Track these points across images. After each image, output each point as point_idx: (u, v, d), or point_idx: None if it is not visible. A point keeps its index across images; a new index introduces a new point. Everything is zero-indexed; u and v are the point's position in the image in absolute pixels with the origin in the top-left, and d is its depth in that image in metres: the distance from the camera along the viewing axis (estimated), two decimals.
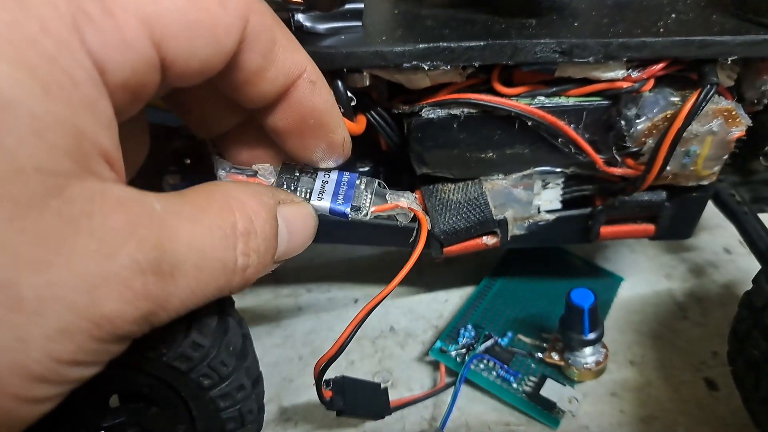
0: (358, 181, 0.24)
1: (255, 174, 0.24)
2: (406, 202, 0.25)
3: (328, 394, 0.26)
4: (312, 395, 0.32)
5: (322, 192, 0.24)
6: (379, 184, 0.24)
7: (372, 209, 0.24)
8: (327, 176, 0.24)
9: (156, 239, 0.16)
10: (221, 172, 0.24)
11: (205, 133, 0.25)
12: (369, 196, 0.24)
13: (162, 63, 0.17)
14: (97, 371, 0.16)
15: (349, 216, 0.24)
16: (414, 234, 0.26)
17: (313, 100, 0.21)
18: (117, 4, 0.15)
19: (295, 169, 0.24)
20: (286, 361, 0.34)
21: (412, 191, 0.31)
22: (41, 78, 0.14)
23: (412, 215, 0.25)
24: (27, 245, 0.13)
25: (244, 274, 0.19)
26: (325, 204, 0.23)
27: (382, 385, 0.30)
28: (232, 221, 0.18)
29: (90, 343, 0.15)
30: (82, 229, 0.14)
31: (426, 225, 0.25)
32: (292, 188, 0.24)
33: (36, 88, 0.13)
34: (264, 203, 0.20)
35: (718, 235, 0.42)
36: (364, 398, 0.29)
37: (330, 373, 0.27)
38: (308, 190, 0.24)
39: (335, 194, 0.24)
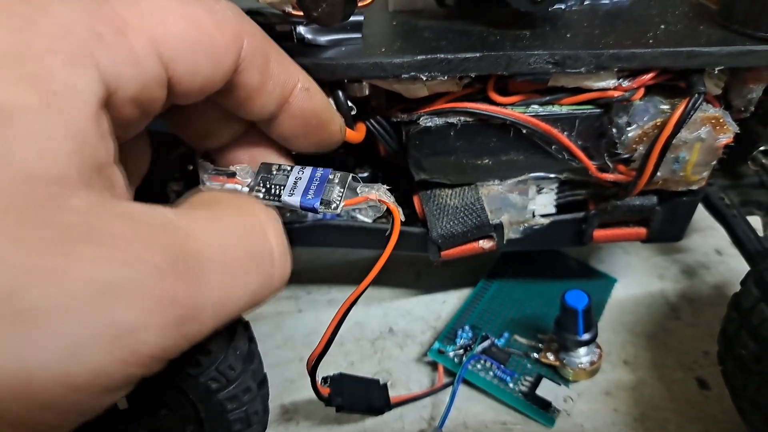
0: (331, 176, 0.25)
1: (234, 174, 0.25)
2: (376, 194, 0.25)
3: (325, 391, 0.27)
4: (313, 394, 0.33)
5: (294, 188, 0.24)
6: (353, 178, 0.25)
7: (342, 204, 0.24)
8: (301, 173, 0.25)
9: (174, 242, 0.15)
10: (204, 176, 0.26)
11: (202, 147, 0.26)
12: (340, 190, 0.24)
13: (168, 81, 0.18)
14: (122, 395, 0.15)
15: (319, 210, 0.24)
16: (390, 226, 0.27)
17: (311, 104, 0.23)
18: (128, 24, 0.17)
19: (272, 167, 0.25)
20: (287, 362, 0.35)
21: (411, 196, 0.32)
22: (49, 88, 0.14)
23: (384, 207, 0.26)
24: (29, 257, 0.13)
25: (282, 261, 0.19)
26: (296, 199, 0.24)
27: (382, 381, 0.31)
28: (249, 219, 0.19)
29: (112, 364, 0.14)
30: (89, 238, 0.14)
31: (398, 216, 0.26)
32: (267, 186, 0.25)
33: (42, 98, 0.14)
34: (269, 211, 0.20)
35: (709, 236, 0.43)
36: (363, 395, 0.29)
37: (330, 372, 0.28)
38: (281, 187, 0.25)
39: (306, 190, 0.24)
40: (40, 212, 0.13)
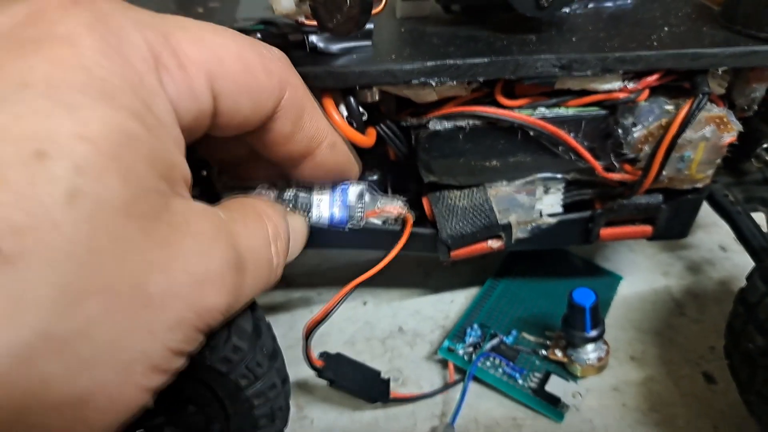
0: (350, 190, 0.26)
1: (253, 191, 0.26)
2: (391, 207, 0.28)
3: (319, 363, 0.28)
4: (327, 394, 0.33)
5: (319, 207, 0.26)
6: (370, 187, 0.27)
7: (364, 217, 0.27)
8: (321, 192, 0.26)
9: (232, 241, 0.19)
10: (223, 194, 0.27)
11: (215, 159, 0.28)
12: (361, 203, 0.26)
13: (213, 112, 0.20)
14: (185, 364, 0.18)
15: (347, 227, 0.26)
16: (401, 226, 0.29)
17: (335, 159, 0.25)
18: (189, 60, 0.18)
19: (291, 184, 0.26)
20: (301, 362, 0.35)
21: (420, 198, 0.33)
22: (146, 120, 0.16)
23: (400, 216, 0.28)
24: (154, 251, 0.16)
25: (277, 271, 0.22)
26: (324, 217, 0.26)
27: (386, 376, 0.31)
28: (266, 227, 0.21)
29: (193, 333, 0.17)
30: (186, 234, 0.17)
31: (411, 222, 0.28)
32: (291, 206, 0.26)
33: (144, 128, 0.16)
34: (280, 213, 0.23)
35: (713, 233, 0.44)
36: (359, 378, 0.30)
37: None
38: (307, 206, 0.26)
39: (331, 207, 0.26)
40: (156, 216, 0.16)
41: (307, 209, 0.26)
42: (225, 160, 0.27)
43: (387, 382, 0.31)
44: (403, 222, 0.29)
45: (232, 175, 0.28)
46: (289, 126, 0.22)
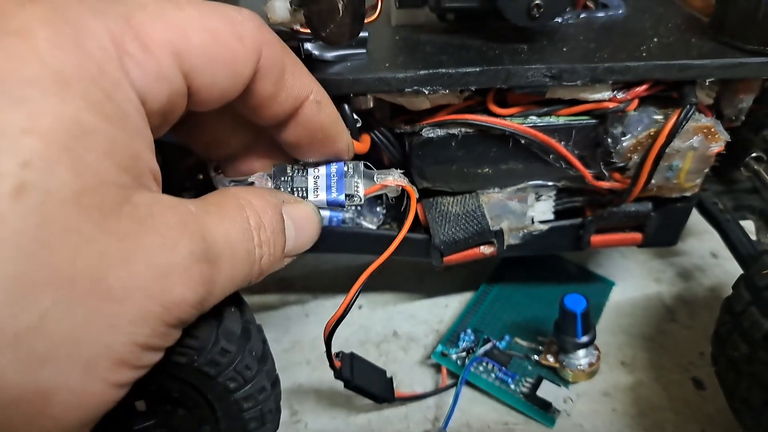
0: (345, 168, 0.26)
1: (252, 184, 0.26)
2: (392, 179, 0.26)
3: (338, 363, 0.28)
4: (321, 398, 0.34)
5: (316, 189, 0.25)
6: (365, 166, 0.26)
7: (363, 194, 0.26)
8: (317, 171, 0.26)
9: (201, 233, 0.18)
10: (220, 187, 0.27)
11: (211, 155, 0.27)
12: (359, 180, 0.26)
13: (188, 91, 0.19)
14: (158, 359, 0.18)
15: (345, 204, 0.26)
16: (405, 202, 0.28)
17: (319, 118, 0.24)
18: (153, 41, 0.18)
19: (286, 169, 0.26)
20: (295, 365, 0.36)
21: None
22: (105, 112, 0.16)
23: (399, 190, 0.27)
24: (113, 244, 0.16)
25: (260, 264, 0.21)
26: (322, 198, 0.25)
27: (388, 375, 0.31)
28: (246, 217, 0.21)
29: (161, 327, 0.17)
30: (149, 227, 0.17)
31: (414, 195, 0.27)
32: (289, 190, 0.26)
33: (103, 119, 0.16)
34: (268, 201, 0.22)
35: (705, 240, 0.44)
36: (370, 378, 0.30)
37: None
38: (303, 189, 0.25)
39: (328, 187, 0.25)
40: (114, 209, 0.16)
41: (303, 192, 0.26)
42: (220, 155, 0.27)
43: (391, 381, 0.31)
44: (407, 197, 0.28)
45: (229, 172, 0.27)
46: (270, 87, 0.21)
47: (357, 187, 0.25)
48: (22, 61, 0.15)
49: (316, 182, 0.25)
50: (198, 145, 0.26)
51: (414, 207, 0.27)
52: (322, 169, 0.26)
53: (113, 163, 0.16)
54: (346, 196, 0.25)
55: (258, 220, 0.21)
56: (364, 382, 0.29)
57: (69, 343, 0.15)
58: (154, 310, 0.17)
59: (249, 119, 0.24)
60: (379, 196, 0.29)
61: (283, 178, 0.26)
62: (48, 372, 0.15)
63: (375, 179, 0.26)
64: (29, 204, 0.14)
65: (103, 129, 0.16)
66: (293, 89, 0.22)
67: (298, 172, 0.26)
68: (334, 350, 0.27)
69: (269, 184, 0.26)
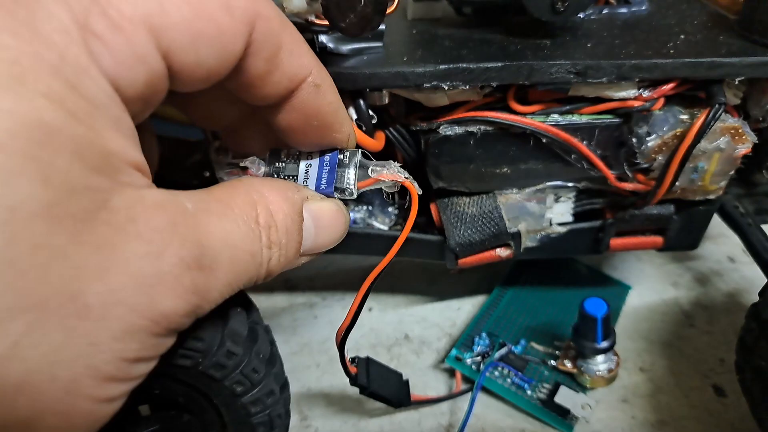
0: (341, 156, 0.23)
1: (246, 169, 0.24)
2: (388, 173, 0.23)
3: (353, 369, 0.27)
4: (331, 401, 0.33)
5: (306, 179, 0.23)
6: (363, 155, 0.23)
7: (356, 187, 0.23)
8: (309, 158, 0.23)
9: (195, 236, 0.17)
10: (220, 173, 0.25)
11: (208, 126, 0.25)
12: (352, 173, 0.23)
13: (169, 71, 0.17)
14: (153, 366, 0.17)
15: (335, 197, 0.23)
16: (407, 201, 0.24)
17: (317, 103, 0.21)
18: (124, 17, 0.15)
19: (281, 154, 0.24)
20: (304, 368, 0.35)
21: (428, 204, 0.32)
22: (69, 106, 0.14)
23: (399, 186, 0.24)
24: (88, 256, 0.14)
25: (268, 265, 0.20)
26: (311, 188, 0.23)
27: (404, 377, 0.31)
28: (254, 215, 0.19)
29: (150, 339, 0.16)
30: (130, 234, 0.15)
31: (415, 191, 0.24)
32: (281, 176, 0.23)
33: (67, 115, 0.14)
34: (287, 198, 0.21)
35: (722, 244, 0.43)
36: (386, 382, 0.29)
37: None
38: (293, 177, 0.23)
39: (318, 178, 0.23)
40: (89, 217, 0.14)
41: (293, 180, 0.23)
42: (218, 126, 0.25)
43: (407, 384, 0.31)
44: (408, 195, 0.24)
45: (231, 146, 0.25)
46: (262, 65, 0.19)
47: (349, 179, 0.23)
48: None
49: (307, 171, 0.23)
50: (194, 117, 0.24)
51: (416, 205, 0.24)
52: (316, 158, 0.23)
53: (84, 165, 0.14)
54: (336, 189, 0.23)
55: (268, 217, 0.20)
56: (381, 387, 0.28)
57: (46, 367, 0.14)
58: (140, 324, 0.15)
59: (240, 98, 0.21)
60: (392, 195, 0.27)
61: (276, 164, 0.23)
62: (26, 400, 0.14)
63: (369, 172, 0.23)
64: None
65: (70, 127, 0.14)
66: (289, 69, 0.20)
67: (292, 159, 0.24)
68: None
69: (262, 168, 0.24)
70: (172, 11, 0.16)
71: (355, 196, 0.23)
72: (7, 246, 0.13)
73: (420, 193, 0.24)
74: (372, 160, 0.24)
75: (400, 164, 0.24)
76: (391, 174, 0.23)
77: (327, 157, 0.23)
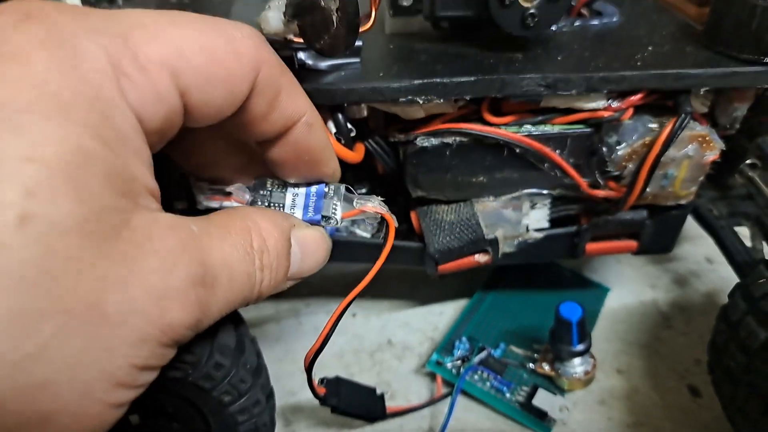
0: (326, 189, 0.25)
1: (230, 194, 0.26)
2: (371, 206, 0.26)
3: (321, 390, 0.28)
4: (315, 407, 0.33)
5: (293, 206, 0.25)
6: (347, 189, 0.26)
7: (341, 217, 0.25)
8: (296, 189, 0.25)
9: (200, 256, 0.18)
10: (201, 196, 0.26)
11: (204, 176, 0.26)
12: (338, 203, 0.25)
13: (184, 109, 0.19)
14: (155, 377, 0.18)
15: (322, 225, 0.25)
16: (384, 230, 0.28)
17: (309, 141, 0.23)
18: (149, 61, 0.18)
19: (266, 183, 0.25)
20: (288, 375, 0.36)
21: (408, 213, 0.33)
22: (103, 135, 0.16)
23: (379, 217, 0.27)
24: (111, 269, 0.16)
25: (260, 287, 0.21)
26: (297, 217, 0.25)
27: (379, 391, 0.31)
28: (249, 240, 0.21)
29: (158, 348, 0.17)
30: (147, 250, 0.17)
31: (393, 223, 0.26)
32: (266, 204, 0.25)
33: (101, 144, 0.16)
34: (277, 225, 0.22)
35: (700, 245, 0.44)
36: (359, 400, 0.30)
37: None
38: (281, 205, 0.25)
39: (305, 207, 0.25)
40: (113, 233, 0.16)
41: (280, 208, 0.25)
42: (199, 162, 0.26)
43: (382, 398, 0.31)
44: (386, 227, 0.27)
45: (209, 180, 0.26)
46: (264, 106, 0.21)
47: (335, 209, 0.25)
48: (18, 87, 0.15)
49: (294, 200, 0.25)
50: (191, 166, 0.26)
51: (392, 236, 0.27)
52: (302, 188, 0.25)
53: (113, 188, 0.16)
54: (323, 217, 0.25)
55: (262, 243, 0.21)
56: (352, 405, 0.29)
57: (67, 369, 0.15)
58: (152, 333, 0.17)
59: (236, 134, 0.23)
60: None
61: (261, 192, 0.25)
62: (46, 397, 0.15)
63: (354, 204, 0.26)
64: (33, 234, 0.14)
65: (103, 154, 0.16)
66: (287, 110, 0.22)
67: (278, 188, 0.25)
68: (327, 360, 0.27)
69: (247, 196, 0.25)
70: (190, 56, 0.18)
71: (339, 225, 0.25)
72: (45, 255, 0.14)
73: (397, 226, 0.27)
74: (354, 194, 0.26)
75: (382, 199, 0.26)
76: (375, 206, 0.26)
77: (314, 188, 0.25)
